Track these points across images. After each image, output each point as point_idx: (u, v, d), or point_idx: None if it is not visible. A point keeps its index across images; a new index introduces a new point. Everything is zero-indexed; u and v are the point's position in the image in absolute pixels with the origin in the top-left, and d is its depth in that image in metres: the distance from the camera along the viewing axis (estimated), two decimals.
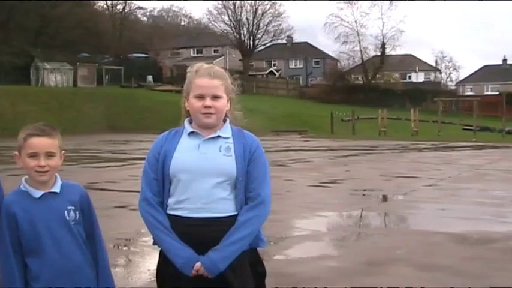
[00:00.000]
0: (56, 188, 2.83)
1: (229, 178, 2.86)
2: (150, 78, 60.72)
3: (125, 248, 7.34)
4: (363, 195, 12.64)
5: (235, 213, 2.87)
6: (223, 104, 2.90)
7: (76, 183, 2.95)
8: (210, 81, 2.87)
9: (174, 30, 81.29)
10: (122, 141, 32.60)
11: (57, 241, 2.77)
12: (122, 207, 10.21)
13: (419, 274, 6.03)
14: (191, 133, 2.91)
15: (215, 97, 2.87)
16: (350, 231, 8.67)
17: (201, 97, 2.86)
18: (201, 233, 2.81)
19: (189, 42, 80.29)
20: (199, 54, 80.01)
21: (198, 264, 2.79)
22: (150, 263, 6.25)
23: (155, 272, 3.00)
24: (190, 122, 2.95)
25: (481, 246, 7.41)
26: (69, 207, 2.81)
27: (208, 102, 2.85)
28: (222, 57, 79.55)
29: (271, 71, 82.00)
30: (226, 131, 2.93)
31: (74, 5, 56.43)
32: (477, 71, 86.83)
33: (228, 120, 2.98)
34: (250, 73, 74.66)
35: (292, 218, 9.54)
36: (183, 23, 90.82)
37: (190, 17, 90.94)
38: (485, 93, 76.08)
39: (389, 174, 16.44)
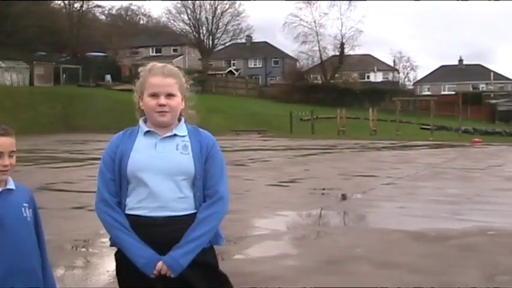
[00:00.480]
0: (11, 185, 2.81)
1: (187, 176, 2.86)
2: (108, 77, 60.04)
3: (83, 250, 7.25)
4: (322, 194, 12.69)
5: (195, 211, 2.87)
6: (177, 102, 2.89)
7: (20, 184, 2.93)
8: (163, 79, 2.86)
9: (132, 29, 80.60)
10: (79, 141, 32.19)
11: (18, 239, 2.74)
12: (80, 208, 10.06)
13: (378, 272, 6.07)
14: (147, 132, 2.90)
15: (169, 95, 2.86)
16: (309, 230, 8.69)
17: (155, 96, 2.85)
18: (161, 232, 2.80)
19: (148, 41, 79.52)
20: (158, 54, 79.41)
21: (160, 263, 2.77)
22: (109, 264, 6.13)
23: (115, 273, 2.96)
24: (145, 121, 2.93)
25: (438, 243, 7.50)
26: (24, 204, 2.81)
27: (162, 100, 2.84)
28: (181, 57, 79.12)
29: (231, 71, 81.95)
30: (182, 129, 2.93)
31: (30, 3, 55.44)
32: (434, 71, 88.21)
33: (183, 119, 2.97)
34: (210, 72, 74.42)
35: (251, 217, 9.53)
36: (142, 22, 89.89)
37: (149, 16, 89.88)
38: (442, 93, 77.39)
39: (348, 173, 16.56)
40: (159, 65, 2.94)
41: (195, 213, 2.86)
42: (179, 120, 2.95)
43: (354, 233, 8.46)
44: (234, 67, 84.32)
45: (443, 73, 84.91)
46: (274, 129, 47.79)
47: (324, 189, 13.37)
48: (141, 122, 2.94)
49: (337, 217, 9.96)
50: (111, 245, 2.93)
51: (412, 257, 6.73)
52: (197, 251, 2.81)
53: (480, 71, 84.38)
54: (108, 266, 6.10)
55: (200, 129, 2.99)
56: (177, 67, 3.04)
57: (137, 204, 2.84)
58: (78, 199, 10.99)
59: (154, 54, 79.79)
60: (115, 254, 2.93)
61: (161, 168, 2.82)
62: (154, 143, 2.87)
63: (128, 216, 2.85)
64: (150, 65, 2.96)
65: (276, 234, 8.15)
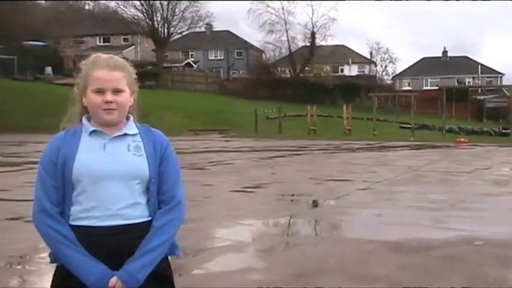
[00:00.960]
0: None
1: (141, 180, 2.85)
2: (49, 69, 59.43)
3: (18, 267, 7.11)
4: (291, 200, 12.77)
5: (149, 218, 2.87)
6: (126, 98, 2.87)
7: None
8: (109, 73, 2.83)
9: (77, 15, 79.55)
10: (15, 142, 31.73)
11: None
12: (16, 219, 9.90)
13: (353, 286, 6.11)
14: (93, 132, 2.86)
15: (116, 91, 2.83)
16: (277, 240, 8.69)
17: (100, 91, 2.82)
18: (113, 243, 2.78)
19: (94, 29, 79.03)
20: (106, 43, 78.99)
21: (114, 279, 2.75)
22: (48, 283, 6.07)
23: None
24: (89, 120, 2.90)
25: (419, 254, 7.56)
26: None
27: (109, 97, 2.81)
28: (133, 47, 78.86)
29: (188, 63, 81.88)
30: (132, 128, 2.91)
31: None
32: (415, 63, 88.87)
33: (131, 117, 2.96)
34: (165, 65, 74.29)
35: (212, 227, 9.50)
36: (87, 7, 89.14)
37: (96, 1, 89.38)
38: (424, 88, 78.40)
39: (319, 177, 16.67)
40: (104, 56, 2.91)
41: (150, 221, 2.86)
42: (128, 118, 2.93)
43: (326, 243, 8.48)
44: (192, 59, 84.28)
45: (425, 66, 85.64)
46: (237, 129, 47.86)
47: (292, 195, 13.43)
48: (84, 121, 2.91)
49: (308, 226, 9.97)
50: (52, 262, 2.88)
51: (390, 269, 6.77)
52: (155, 263, 2.81)
53: (466, 64, 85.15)
54: (47, 285, 6.00)
55: (152, 128, 2.98)
56: (124, 58, 3.01)
57: (84, 214, 2.81)
58: (13, 209, 10.79)
59: (101, 44, 79.34)
60: (55, 272, 2.89)
61: (112, 171, 2.80)
62: (103, 144, 2.84)
63: (73, 227, 2.80)
64: (94, 56, 2.92)
65: (240, 246, 8.14)
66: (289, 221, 10.18)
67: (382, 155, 25.94)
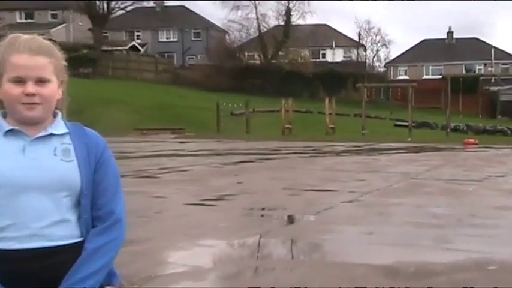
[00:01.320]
0: None
1: (71, 192, 2.82)
2: None
3: None
4: (261, 215, 12.81)
5: (81, 239, 2.86)
6: (52, 90, 2.82)
7: None
8: (31, 58, 2.78)
9: None
10: None
11: None
12: None
13: None
14: (9, 132, 2.81)
15: (40, 81, 2.79)
16: (244, 265, 8.66)
17: (19, 81, 2.77)
18: (36, 270, 2.75)
19: (14, 2, 78.14)
20: (29, 20, 78.33)
21: None
22: None
23: None
24: (5, 117, 2.86)
25: (419, 280, 7.57)
26: None
27: (30, 88, 2.77)
28: (63, 25, 78.31)
29: (134, 46, 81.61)
30: (60, 127, 2.88)
31: None
32: (413, 47, 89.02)
33: (59, 113, 2.93)
34: (104, 48, 73.92)
35: (163, 249, 9.46)
36: None
37: None
38: (425, 77, 78.97)
39: (296, 186, 16.71)
40: (25, 37, 2.85)
41: (82, 242, 2.84)
42: (55, 115, 2.90)
43: (304, 268, 8.46)
44: (139, 41, 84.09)
45: (425, 50, 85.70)
46: (194, 128, 47.86)
47: (263, 209, 13.44)
48: None
49: (282, 247, 9.96)
50: None
51: None
52: None
53: (476, 47, 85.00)
54: None
55: (85, 128, 2.96)
56: (51, 40, 2.96)
57: None
58: None
59: (23, 20, 78.68)
60: None
61: (33, 181, 2.76)
62: (22, 147, 2.80)
63: None
64: (12, 37, 2.86)
65: (198, 272, 8.09)
66: (259, 240, 10.16)
67: (373, 160, 26.08)
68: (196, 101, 56.66)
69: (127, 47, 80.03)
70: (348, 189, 16.05)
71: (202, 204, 13.84)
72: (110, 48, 75.94)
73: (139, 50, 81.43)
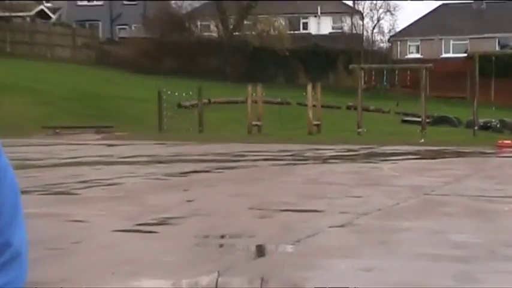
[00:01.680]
0: None
1: None
2: None
3: None
4: (220, 246, 12.75)
5: None
6: None
7: None
8: None
9: None
10: None
11: None
12: None
13: None
14: None
15: None
16: None
17: None
18: None
19: None
20: None
21: None
22: None
23: None
24: None
25: None
26: None
27: None
28: None
29: (42, 12, 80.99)
30: None
31: None
32: (428, 14, 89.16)
33: None
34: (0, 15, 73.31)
35: None
36: None
37: None
38: (444, 55, 79.29)
39: (267, 205, 16.64)
40: None
41: None
42: None
43: None
44: (49, 5, 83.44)
45: (444, 19, 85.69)
46: (127, 125, 47.74)
47: (222, 236, 13.38)
48: None
49: None
50: None
51: None
52: None
53: None
54: None
55: None
56: None
57: None
58: None
59: None
60: None
61: None
62: None
63: None
64: None
65: None
66: (217, 280, 10.10)
67: (373, 169, 26.10)
68: (129, 88, 56.48)
69: (32, 13, 79.45)
70: (339, 209, 16.01)
71: (138, 231, 13.75)
72: (7, 14, 75.30)
73: (50, 18, 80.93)
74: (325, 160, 29.47)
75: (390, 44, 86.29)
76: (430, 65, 54.10)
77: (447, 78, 60.45)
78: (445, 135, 43.85)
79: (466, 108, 50.45)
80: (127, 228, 13.99)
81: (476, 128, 47.23)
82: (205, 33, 76.36)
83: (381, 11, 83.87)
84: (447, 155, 32.20)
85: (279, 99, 53.32)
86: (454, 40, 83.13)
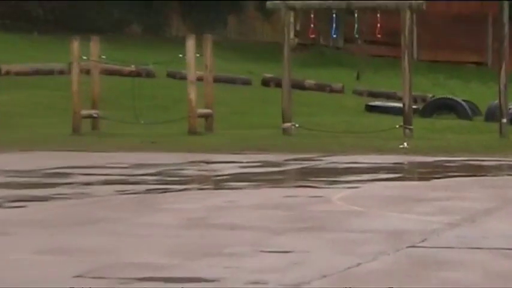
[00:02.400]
0: None
1: None
2: None
3: None
4: None
5: None
6: None
7: None
8: None
9: None
10: None
11: None
12: None
13: None
14: None
15: None
16: None
17: None
18: None
19: None
20: None
21: None
22: None
23: None
24: None
25: None
26: None
27: None
28: None
29: None
30: None
31: None
32: None
33: None
34: None
35: None
36: None
37: None
38: None
39: (110, 271, 11.66)
40: None
41: None
42: None
43: None
44: None
45: None
46: None
47: None
48: None
49: None
50: None
51: None
52: None
53: None
54: None
55: None
56: None
57: None
58: None
59: None
60: None
61: None
62: None
63: None
64: None
65: None
66: None
67: (312, 199, 18.44)
68: None
69: None
70: (247, 278, 10.39)
71: None
72: None
73: None
74: (221, 183, 21.99)
75: None
76: (421, 1, 39.47)
77: (451, 28, 51.08)
78: (445, 135, 34.72)
79: (485, 85, 41.87)
80: None
81: (504, 120, 36.27)
82: None
83: None
84: (450, 171, 24.24)
85: (132, 67, 41.45)
86: None
